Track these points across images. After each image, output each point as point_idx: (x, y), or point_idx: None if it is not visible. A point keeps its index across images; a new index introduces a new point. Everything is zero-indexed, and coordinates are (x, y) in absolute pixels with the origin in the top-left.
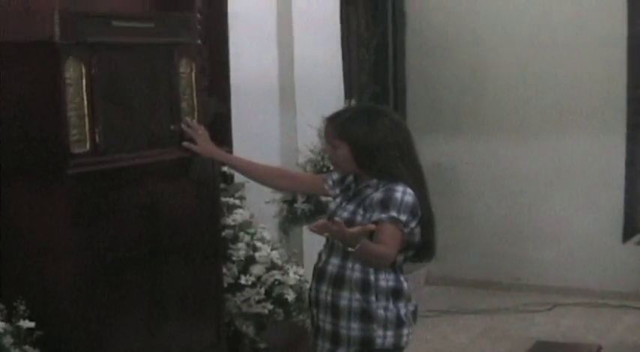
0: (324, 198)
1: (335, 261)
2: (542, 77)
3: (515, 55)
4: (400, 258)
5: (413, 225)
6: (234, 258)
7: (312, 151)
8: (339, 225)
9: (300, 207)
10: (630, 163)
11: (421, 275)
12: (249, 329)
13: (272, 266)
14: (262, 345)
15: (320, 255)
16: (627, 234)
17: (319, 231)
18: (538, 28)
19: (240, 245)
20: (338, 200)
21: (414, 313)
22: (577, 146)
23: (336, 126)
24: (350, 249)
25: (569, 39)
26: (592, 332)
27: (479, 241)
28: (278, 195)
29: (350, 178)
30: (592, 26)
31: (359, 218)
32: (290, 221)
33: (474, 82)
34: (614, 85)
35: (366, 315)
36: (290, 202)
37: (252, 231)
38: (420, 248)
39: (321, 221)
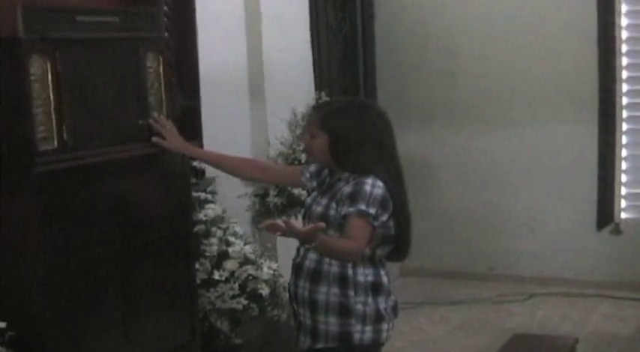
0: (296, 192)
1: (312, 256)
2: (514, 67)
3: (487, 45)
4: (380, 252)
5: (384, 218)
6: (206, 254)
7: (282, 144)
8: (288, 224)
9: (273, 201)
10: (603, 152)
11: (395, 267)
12: (223, 324)
13: (245, 261)
14: (237, 341)
15: (298, 250)
16: (601, 222)
17: (268, 230)
18: (510, 19)
19: (213, 240)
20: (313, 194)
21: (395, 308)
22: (550, 136)
23: (320, 116)
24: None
25: (541, 29)
26: (568, 322)
27: (453, 232)
28: (250, 189)
29: (326, 171)
30: (563, 17)
31: (332, 212)
32: (262, 215)
33: (445, 73)
34: (586, 75)
35: (344, 310)
36: (262, 196)
37: (224, 225)
38: (394, 247)
39: (269, 221)
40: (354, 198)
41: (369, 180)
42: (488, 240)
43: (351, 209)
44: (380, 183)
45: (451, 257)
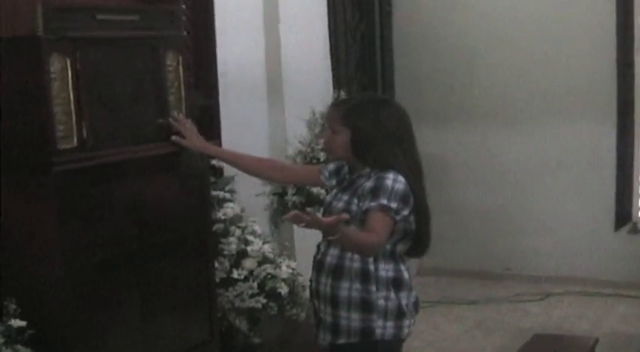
0: (315, 190)
1: (334, 252)
2: (531, 66)
3: (504, 44)
4: (401, 247)
5: (405, 212)
6: (225, 253)
7: (301, 143)
8: (310, 215)
9: (291, 200)
10: (621, 151)
11: (412, 265)
12: (242, 323)
13: (264, 259)
14: (256, 340)
15: (319, 247)
16: (619, 222)
17: (292, 221)
18: (527, 17)
19: (232, 239)
20: (334, 191)
21: (416, 304)
22: (567, 135)
23: (342, 111)
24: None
25: (558, 27)
26: (585, 322)
27: (470, 232)
28: (268, 188)
29: (345, 169)
30: (581, 14)
31: (354, 208)
32: (281, 213)
33: (462, 71)
34: (603, 74)
35: (366, 306)
36: (280, 194)
37: (243, 224)
38: (414, 242)
39: (294, 212)
40: (375, 192)
41: (391, 175)
42: (505, 239)
43: (373, 203)
44: (401, 178)
45: (467, 256)
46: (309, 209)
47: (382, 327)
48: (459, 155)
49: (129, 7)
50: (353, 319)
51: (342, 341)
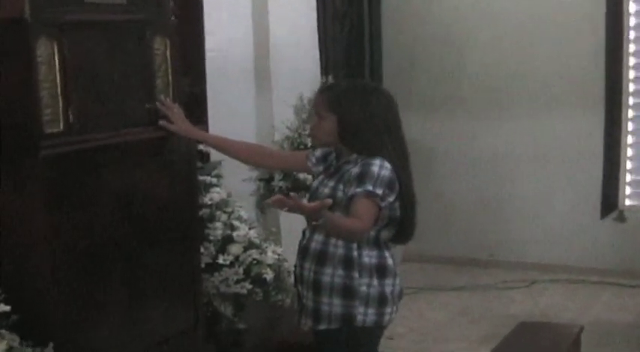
0: (301, 176)
1: (318, 238)
2: (520, 56)
3: (494, 33)
4: (385, 234)
5: (391, 199)
6: (211, 238)
7: (288, 129)
8: (294, 200)
9: (278, 185)
10: (607, 140)
11: (398, 252)
12: (227, 309)
13: (250, 245)
14: (241, 325)
15: (304, 232)
16: (605, 210)
17: (275, 205)
18: (517, 8)
19: (218, 224)
20: (320, 177)
21: (400, 291)
22: (555, 124)
23: (329, 97)
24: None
25: (548, 18)
26: (571, 310)
27: (456, 219)
28: (255, 173)
29: (332, 155)
30: (571, 6)
31: (339, 194)
32: (267, 199)
33: (451, 60)
34: (592, 62)
35: (348, 292)
36: (267, 180)
37: (229, 209)
38: (399, 229)
39: (277, 196)
40: (361, 178)
41: (377, 161)
42: (491, 226)
43: (359, 189)
44: (387, 165)
45: (453, 243)
46: (292, 194)
47: (363, 314)
48: (447, 142)
49: None
50: (335, 305)
51: (322, 326)
